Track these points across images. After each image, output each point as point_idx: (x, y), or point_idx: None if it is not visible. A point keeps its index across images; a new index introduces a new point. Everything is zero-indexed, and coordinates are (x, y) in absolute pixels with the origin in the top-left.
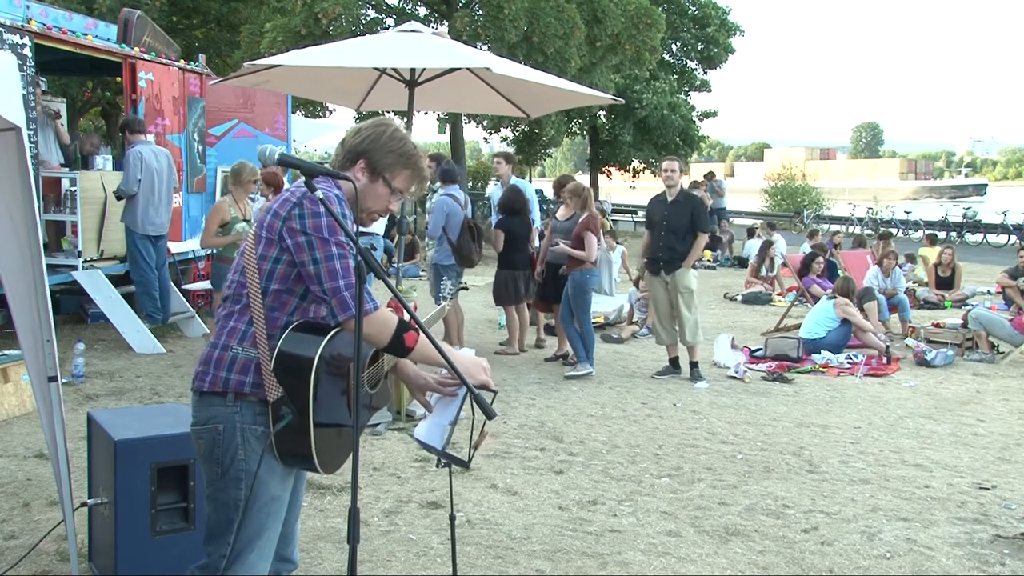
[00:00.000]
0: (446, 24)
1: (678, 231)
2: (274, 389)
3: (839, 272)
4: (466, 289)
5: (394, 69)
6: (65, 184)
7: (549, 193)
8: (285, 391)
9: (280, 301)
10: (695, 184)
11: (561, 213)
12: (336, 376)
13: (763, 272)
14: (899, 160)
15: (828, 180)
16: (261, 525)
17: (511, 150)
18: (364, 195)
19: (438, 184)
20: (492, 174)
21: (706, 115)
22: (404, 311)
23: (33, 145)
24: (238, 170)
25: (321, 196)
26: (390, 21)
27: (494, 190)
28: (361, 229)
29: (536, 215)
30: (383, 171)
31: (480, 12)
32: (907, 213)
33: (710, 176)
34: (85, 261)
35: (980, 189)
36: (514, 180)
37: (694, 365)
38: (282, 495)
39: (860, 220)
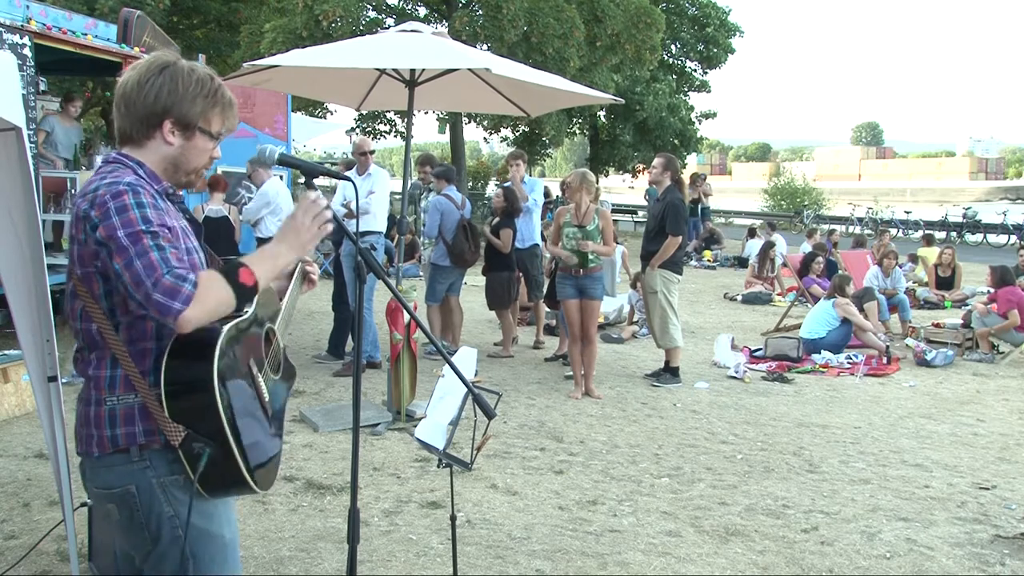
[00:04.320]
0: (446, 24)
1: (651, 231)
2: (173, 430)
3: (839, 272)
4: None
5: (394, 69)
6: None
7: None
8: (187, 424)
9: (138, 330)
10: (697, 179)
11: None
12: (240, 378)
13: (765, 272)
14: (969, 158)
15: (888, 180)
16: None
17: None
18: (186, 157)
19: (432, 183)
20: (512, 175)
21: (705, 116)
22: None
23: (33, 145)
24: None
25: (112, 190)
26: (390, 21)
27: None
28: (363, 228)
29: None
30: (196, 121)
31: (480, 12)
32: (907, 213)
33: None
34: None
35: None
36: (528, 179)
37: (673, 371)
38: (232, 536)
39: (860, 220)
